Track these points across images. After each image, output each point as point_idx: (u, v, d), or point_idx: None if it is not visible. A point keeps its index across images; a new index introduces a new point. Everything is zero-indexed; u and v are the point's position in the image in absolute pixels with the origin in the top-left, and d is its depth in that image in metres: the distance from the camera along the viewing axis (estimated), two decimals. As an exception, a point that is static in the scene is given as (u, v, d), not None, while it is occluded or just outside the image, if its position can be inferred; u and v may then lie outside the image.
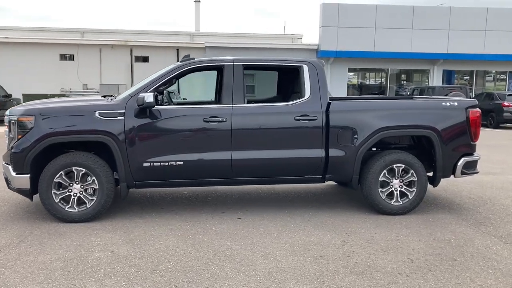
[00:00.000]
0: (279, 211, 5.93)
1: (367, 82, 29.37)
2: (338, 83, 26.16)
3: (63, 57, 26.36)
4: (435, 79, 27.29)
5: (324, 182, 5.96)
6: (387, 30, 25.03)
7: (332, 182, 6.92)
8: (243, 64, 5.69)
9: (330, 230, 5.21)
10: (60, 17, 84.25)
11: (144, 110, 5.30)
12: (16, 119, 5.26)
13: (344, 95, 26.40)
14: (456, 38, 25.73)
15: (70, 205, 5.33)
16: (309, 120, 5.57)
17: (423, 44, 25.34)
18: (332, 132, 5.60)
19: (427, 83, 27.26)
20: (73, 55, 26.27)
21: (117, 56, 26.05)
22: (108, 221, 5.44)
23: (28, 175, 5.23)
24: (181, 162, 5.40)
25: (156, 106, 5.37)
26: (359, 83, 29.00)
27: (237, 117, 5.48)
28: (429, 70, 27.41)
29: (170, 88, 7.15)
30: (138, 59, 26.53)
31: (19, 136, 5.23)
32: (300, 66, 5.82)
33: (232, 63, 5.67)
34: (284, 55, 23.03)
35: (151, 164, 5.37)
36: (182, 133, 5.44)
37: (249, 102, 6.09)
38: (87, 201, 5.36)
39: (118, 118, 5.30)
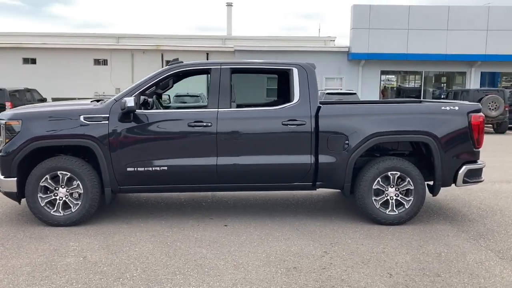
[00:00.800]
0: (269, 218, 5.75)
1: (406, 85, 28.57)
2: (369, 85, 25.59)
3: (97, 62, 27.07)
4: (473, 82, 26.23)
5: (316, 189, 5.72)
6: (421, 31, 24.27)
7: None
8: (230, 68, 5.56)
9: (315, 239, 4.98)
10: (111, 23, 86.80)
11: (127, 114, 5.25)
12: (4, 123, 5.33)
13: (376, 98, 25.79)
14: (495, 39, 24.64)
15: (55, 209, 5.34)
16: (297, 125, 5.36)
17: (459, 46, 24.42)
18: (321, 137, 5.37)
19: (465, 86, 26.24)
20: (107, 60, 26.93)
21: (148, 61, 26.49)
22: (93, 226, 5.41)
23: (15, 178, 5.27)
24: (165, 168, 5.31)
25: (139, 111, 5.32)
26: (397, 86, 28.26)
27: (223, 121, 5.34)
28: (466, 72, 26.37)
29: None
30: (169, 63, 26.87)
31: (7, 140, 5.29)
32: (289, 69, 5.62)
33: (219, 67, 5.54)
34: (313, 58, 22.72)
35: (135, 169, 5.30)
36: (166, 138, 5.36)
37: (239, 106, 5.95)
38: (72, 205, 5.36)
39: (102, 122, 5.27)
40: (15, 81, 23.62)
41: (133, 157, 5.30)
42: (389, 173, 5.43)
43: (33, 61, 26.74)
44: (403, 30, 24.34)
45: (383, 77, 27.06)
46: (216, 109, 5.39)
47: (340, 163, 5.38)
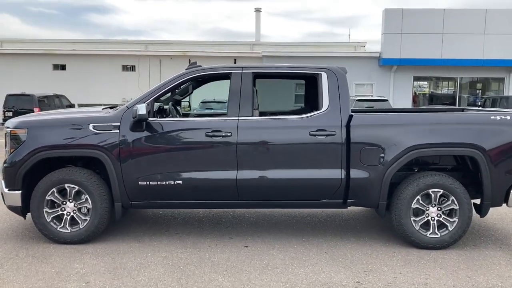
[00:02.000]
0: (293, 239, 5.19)
1: (439, 92, 27.49)
2: (401, 92, 24.69)
3: (125, 68, 27.07)
4: (512, 88, 24.99)
5: (346, 208, 5.14)
6: (456, 36, 23.25)
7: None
8: (252, 72, 5.05)
9: (346, 266, 4.40)
10: (144, 30, 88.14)
11: (139, 123, 4.80)
12: (9, 131, 4.96)
13: (409, 105, 24.87)
14: (537, 43, 23.38)
15: (62, 225, 4.93)
16: (326, 135, 4.80)
17: (497, 50, 23.27)
18: (354, 149, 4.79)
19: (503, 93, 25.04)
20: (134, 66, 26.90)
21: (176, 67, 26.23)
22: (102, 244, 4.97)
23: (20, 191, 4.89)
24: (180, 182, 4.83)
25: (152, 119, 4.87)
26: (430, 92, 27.22)
27: (244, 131, 4.83)
28: (504, 78, 25.16)
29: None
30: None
31: (12, 150, 4.92)
32: (317, 73, 5.07)
33: (240, 71, 5.04)
34: (343, 64, 22.04)
35: (147, 182, 4.84)
36: (182, 149, 4.88)
37: (262, 114, 5.43)
38: (80, 221, 4.93)
39: (112, 131, 4.84)
40: (45, 87, 23.79)
41: (145, 169, 4.84)
42: (430, 190, 4.80)
43: (63, 67, 26.95)
44: (437, 35, 23.36)
45: (415, 83, 26.10)
46: (237, 118, 4.89)
47: (374, 178, 4.79)
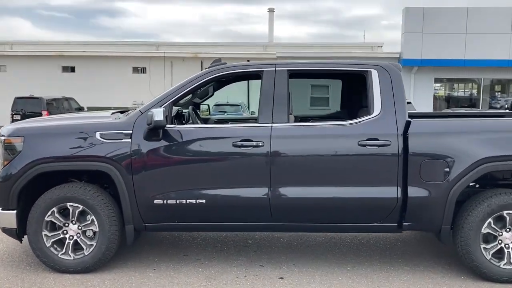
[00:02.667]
0: (336, 268, 4.38)
1: (456, 94, 26.49)
2: (422, 94, 23.71)
3: (135, 70, 26.41)
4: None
5: (401, 232, 4.33)
6: (481, 35, 22.24)
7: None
8: (288, 70, 4.26)
9: (407, 306, 3.59)
10: (155, 34, 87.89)
11: (155, 130, 4.03)
12: (3, 140, 4.21)
13: (430, 109, 23.90)
14: None
15: (64, 250, 4.17)
16: (379, 145, 3.99)
17: (525, 50, 22.23)
18: (412, 162, 3.98)
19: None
20: (145, 68, 26.23)
21: (188, 69, 25.48)
22: (110, 273, 4.20)
23: (15, 211, 4.15)
24: (203, 200, 4.06)
25: (171, 126, 4.11)
26: (446, 94, 26.22)
27: (278, 140, 4.05)
28: (530, 79, 24.12)
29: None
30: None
31: (5, 162, 4.17)
32: (366, 71, 4.27)
33: (274, 69, 4.25)
34: (361, 65, 21.12)
35: (164, 201, 4.07)
36: (205, 161, 4.10)
37: (301, 120, 4.65)
38: (85, 247, 4.17)
39: (123, 140, 4.07)
40: (54, 89, 23.17)
41: (162, 186, 4.07)
42: (505, 212, 3.97)
43: (72, 69, 26.33)
44: (460, 34, 22.37)
45: (436, 85, 25.14)
46: (269, 124, 4.10)
47: (437, 197, 3.97)
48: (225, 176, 4.08)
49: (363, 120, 4.10)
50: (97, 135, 4.09)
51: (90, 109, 20.53)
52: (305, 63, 4.54)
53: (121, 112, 4.95)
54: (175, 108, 4.51)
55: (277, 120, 4.11)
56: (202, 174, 4.08)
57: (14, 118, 19.04)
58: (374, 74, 4.20)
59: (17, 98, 19.99)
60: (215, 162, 4.10)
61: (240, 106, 17.91)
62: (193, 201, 4.06)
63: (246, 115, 17.46)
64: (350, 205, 4.05)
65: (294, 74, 4.36)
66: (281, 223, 4.18)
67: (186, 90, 4.25)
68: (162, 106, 4.11)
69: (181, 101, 4.58)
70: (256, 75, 4.37)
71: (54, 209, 4.12)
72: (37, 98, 19.85)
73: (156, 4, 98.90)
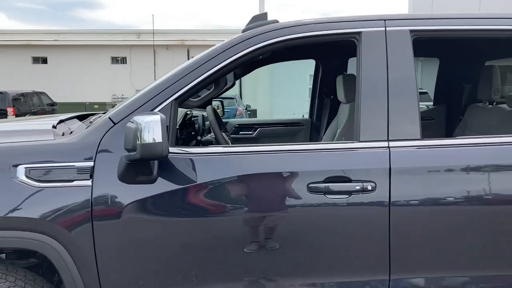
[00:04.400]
0: None
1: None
2: (429, 85, 21.85)
3: (115, 60, 24.09)
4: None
5: None
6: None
7: None
8: (411, 30, 2.10)
9: None
10: (135, 26, 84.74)
11: (145, 164, 1.85)
12: None
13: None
14: None
15: None
16: None
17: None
18: None
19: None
20: (125, 58, 23.89)
21: (173, 58, 23.24)
22: None
23: None
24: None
25: (177, 150, 1.96)
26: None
27: (406, 178, 1.93)
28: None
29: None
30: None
31: None
32: None
33: (383, 28, 2.10)
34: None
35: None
36: (251, 226, 1.96)
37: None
38: None
39: (75, 183, 1.92)
40: (23, 83, 20.82)
41: (160, 278, 1.93)
42: None
43: (44, 60, 23.95)
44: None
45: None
46: (384, 144, 1.97)
47: None
48: (295, 255, 1.95)
49: None
50: (20, 172, 1.91)
51: (65, 105, 18.21)
52: (443, 17, 2.32)
53: (81, 118, 2.77)
54: (181, 111, 2.34)
55: (399, 135, 1.99)
56: (246, 254, 1.94)
57: (-26, 116, 16.62)
58: None
59: (-22, 94, 17.54)
60: (274, 224, 1.96)
61: (235, 99, 15.65)
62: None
63: (241, 108, 15.27)
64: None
65: (423, 39, 2.18)
66: None
67: (207, 74, 2.05)
68: (158, 108, 1.96)
69: (195, 98, 2.37)
70: (345, 43, 2.19)
71: None
72: (1, 93, 17.39)
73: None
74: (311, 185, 1.91)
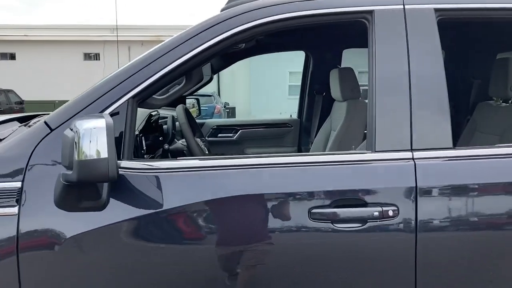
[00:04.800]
0: None
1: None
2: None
3: (87, 56, 23.27)
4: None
5: None
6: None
7: None
8: (436, 9, 1.64)
9: None
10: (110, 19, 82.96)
11: (89, 185, 1.36)
12: None
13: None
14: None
15: None
16: None
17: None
18: None
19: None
20: (99, 54, 23.09)
21: (148, 54, 22.65)
22: None
23: None
24: None
25: (135, 164, 1.46)
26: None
27: (434, 200, 1.49)
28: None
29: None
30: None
31: None
32: None
33: (401, 5, 1.64)
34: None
35: None
36: (232, 266, 1.49)
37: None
38: None
39: (-4, 211, 1.41)
40: (-11, 80, 19.86)
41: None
42: None
43: (12, 56, 22.97)
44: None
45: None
46: (407, 154, 1.52)
47: None
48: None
49: None
50: None
51: (31, 103, 17.41)
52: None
53: (22, 120, 2.26)
54: (142, 112, 1.85)
55: (425, 143, 1.54)
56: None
57: None
58: None
59: None
60: (265, 266, 1.50)
61: (213, 96, 15.11)
62: None
63: (219, 106, 14.76)
64: None
65: (450, 19, 1.73)
66: None
67: (175, 64, 1.56)
68: (110, 109, 1.47)
69: (161, 95, 1.88)
70: (339, 32, 1.72)
71: None
72: (-37, 91, 16.58)
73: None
74: (313, 210, 1.44)
